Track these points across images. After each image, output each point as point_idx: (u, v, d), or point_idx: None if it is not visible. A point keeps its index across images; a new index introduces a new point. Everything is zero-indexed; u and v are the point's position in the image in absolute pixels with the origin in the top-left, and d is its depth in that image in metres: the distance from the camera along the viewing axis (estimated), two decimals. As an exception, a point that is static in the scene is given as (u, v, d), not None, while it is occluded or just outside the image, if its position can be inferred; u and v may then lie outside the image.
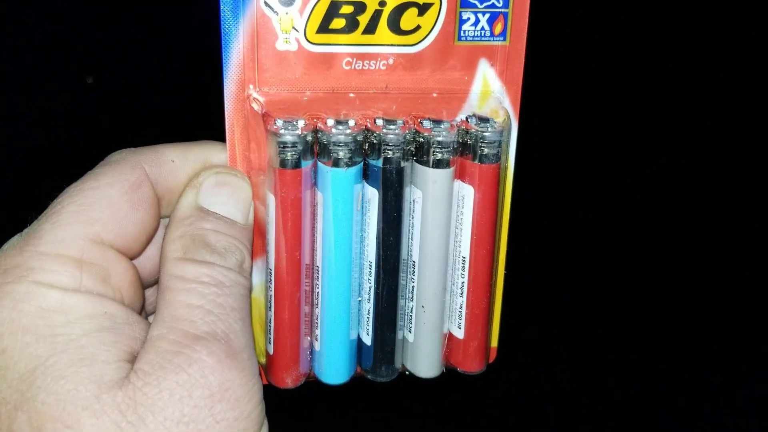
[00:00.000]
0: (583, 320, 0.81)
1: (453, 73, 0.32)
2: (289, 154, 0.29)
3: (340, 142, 0.29)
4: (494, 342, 0.37)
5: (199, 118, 0.34)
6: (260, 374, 0.28)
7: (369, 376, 0.34)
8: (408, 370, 0.34)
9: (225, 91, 0.30)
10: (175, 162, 0.30)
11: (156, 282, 0.32)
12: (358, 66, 0.31)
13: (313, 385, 0.34)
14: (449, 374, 0.36)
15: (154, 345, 0.26)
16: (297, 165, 0.29)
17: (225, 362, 0.26)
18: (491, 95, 0.32)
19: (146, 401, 0.24)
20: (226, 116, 0.30)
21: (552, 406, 0.81)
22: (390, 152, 0.30)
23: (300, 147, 0.29)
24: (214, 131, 0.32)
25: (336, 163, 0.30)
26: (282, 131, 0.29)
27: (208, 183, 0.30)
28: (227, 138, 0.31)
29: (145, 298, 0.31)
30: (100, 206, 0.27)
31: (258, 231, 0.31)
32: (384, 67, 0.31)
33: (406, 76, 0.32)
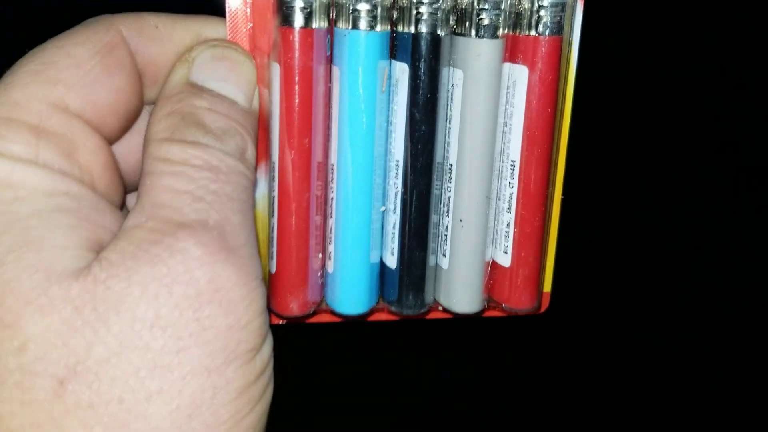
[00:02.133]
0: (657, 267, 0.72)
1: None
2: (298, 6, 0.23)
3: (361, -4, 0.23)
4: (547, 286, 0.30)
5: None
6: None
7: (393, 309, 0.27)
8: (441, 305, 0.28)
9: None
10: (161, 29, 0.25)
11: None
12: None
13: (324, 318, 0.28)
14: (490, 319, 0.30)
15: (127, 233, 0.20)
16: (307, 23, 0.23)
17: (217, 255, 0.20)
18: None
19: (110, 297, 0.19)
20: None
21: (608, 368, 0.72)
22: (424, 14, 0.24)
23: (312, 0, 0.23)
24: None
25: (355, 25, 0.24)
26: (289, -23, 0.23)
27: (203, 56, 0.24)
28: (227, 7, 0.25)
29: (125, 197, 0.26)
30: (64, 67, 0.22)
31: (263, 130, 0.26)
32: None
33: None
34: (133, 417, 0.19)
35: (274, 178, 0.25)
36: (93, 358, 0.18)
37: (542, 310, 0.31)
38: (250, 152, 0.23)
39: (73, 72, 0.22)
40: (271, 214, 0.26)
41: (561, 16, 0.25)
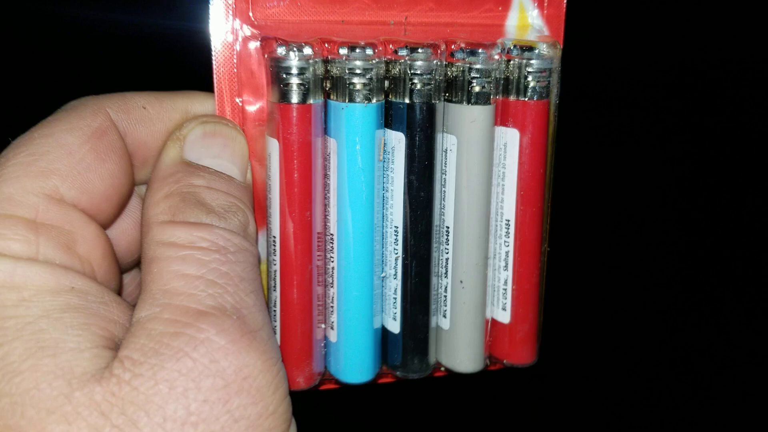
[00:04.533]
0: (647, 312, 0.73)
1: (484, 4, 0.27)
2: (295, 83, 0.23)
3: (356, 70, 0.24)
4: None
5: (181, 70, 0.28)
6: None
7: (398, 373, 0.27)
8: (443, 366, 0.28)
9: (211, 26, 0.24)
10: (148, 110, 0.24)
11: (133, 265, 0.26)
12: (373, -8, 0.26)
13: (327, 388, 0.28)
14: (489, 373, 0.30)
15: (144, 327, 0.19)
16: (305, 99, 0.23)
17: (240, 342, 0.19)
18: (530, 29, 0.27)
19: (137, 398, 0.18)
20: (213, 56, 0.25)
21: (602, 411, 0.72)
22: (418, 84, 0.24)
23: (308, 75, 0.23)
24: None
25: (352, 98, 0.24)
26: (285, 55, 0.23)
27: (195, 134, 0.24)
28: (215, 83, 0.25)
29: (122, 281, 0.25)
30: (56, 155, 0.21)
31: (256, 202, 0.25)
32: (403, -6, 0.26)
33: (430, 5, 0.26)
34: None
35: (275, 252, 0.25)
36: None
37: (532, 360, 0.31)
38: (252, 227, 0.23)
39: (66, 161, 0.21)
40: (272, 288, 0.25)
41: (548, 81, 0.26)
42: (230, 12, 0.24)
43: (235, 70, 0.25)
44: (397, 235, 0.26)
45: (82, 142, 0.22)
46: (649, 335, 0.74)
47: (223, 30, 0.24)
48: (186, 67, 0.28)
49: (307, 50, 0.23)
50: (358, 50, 0.24)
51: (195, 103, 0.25)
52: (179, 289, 0.20)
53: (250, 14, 0.24)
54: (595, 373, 0.72)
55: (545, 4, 0.27)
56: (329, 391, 0.28)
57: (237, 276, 0.21)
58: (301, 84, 0.23)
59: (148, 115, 0.24)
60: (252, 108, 0.25)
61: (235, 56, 0.25)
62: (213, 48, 0.25)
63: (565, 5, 0.27)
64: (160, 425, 0.18)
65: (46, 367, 0.18)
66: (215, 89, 0.25)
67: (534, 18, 0.27)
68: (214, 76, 0.25)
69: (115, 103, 0.24)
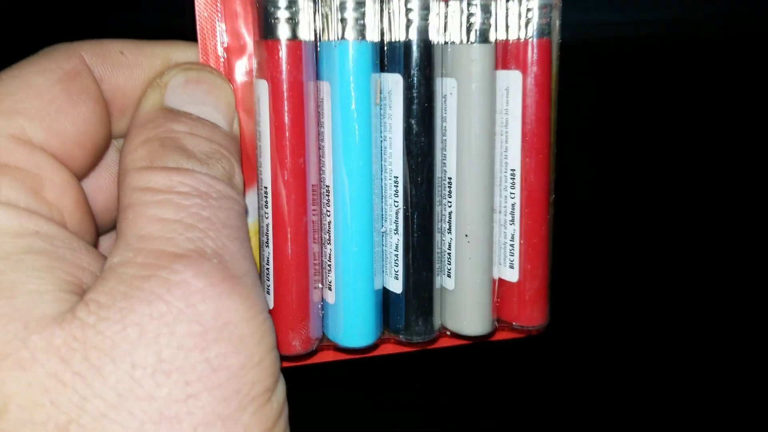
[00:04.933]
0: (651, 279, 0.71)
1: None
2: (283, 17, 0.22)
3: (348, 2, 0.22)
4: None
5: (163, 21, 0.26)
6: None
7: (401, 337, 0.25)
8: (449, 330, 0.26)
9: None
10: (126, 55, 0.23)
11: (111, 224, 0.24)
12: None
13: (325, 356, 0.26)
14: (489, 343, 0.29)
15: (114, 272, 0.18)
16: (294, 35, 0.22)
17: (220, 286, 0.18)
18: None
19: (102, 343, 0.16)
20: (196, 2, 0.23)
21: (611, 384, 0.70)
22: (415, 20, 0.23)
23: (297, 8, 0.22)
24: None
25: (344, 35, 0.22)
26: (273, -13, 0.22)
27: (177, 80, 0.22)
28: (198, 28, 0.24)
29: (98, 237, 0.23)
30: (24, 96, 0.20)
31: (245, 158, 0.24)
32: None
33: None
34: None
35: (267, 204, 0.23)
36: (89, 415, 0.16)
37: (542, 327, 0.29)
38: (238, 178, 0.22)
39: (34, 102, 0.20)
40: (265, 244, 0.24)
41: (549, 18, 0.24)
42: None
43: (219, 16, 0.23)
44: (397, 186, 0.24)
45: (52, 83, 0.20)
46: (656, 299, 0.72)
47: (206, -30, 0.23)
48: (169, 18, 0.26)
49: None
50: (349, -17, 0.22)
51: (177, 51, 0.24)
52: (155, 233, 0.18)
53: (234, -47, 0.23)
54: (603, 336, 0.70)
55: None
56: (329, 364, 0.26)
57: (219, 222, 0.19)
58: (289, 18, 0.22)
59: (126, 61, 0.23)
60: (238, 59, 0.24)
61: (219, 3, 0.23)
62: (195, -9, 0.23)
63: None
64: (128, 372, 0.16)
65: (0, 310, 0.16)
66: (198, 38, 0.24)
67: None
68: (197, 23, 0.23)
69: (90, 47, 0.22)
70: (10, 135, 0.19)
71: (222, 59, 0.24)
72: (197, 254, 0.18)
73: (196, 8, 0.23)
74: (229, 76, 0.24)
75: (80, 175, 0.22)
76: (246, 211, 0.22)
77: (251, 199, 0.24)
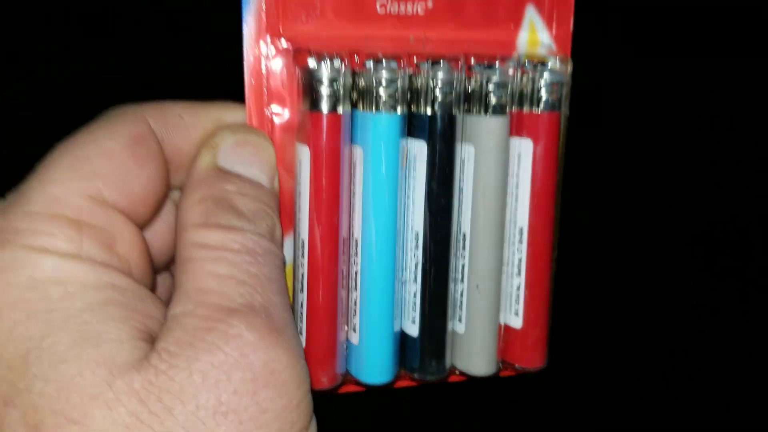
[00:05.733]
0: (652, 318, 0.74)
1: (497, 20, 0.29)
2: (325, 93, 0.24)
3: (382, 81, 0.25)
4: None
5: (216, 84, 0.29)
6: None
7: (416, 375, 0.28)
8: (458, 369, 0.29)
9: (244, 40, 0.26)
10: (184, 118, 0.25)
11: (165, 266, 0.27)
12: (394, 9, 0.27)
13: (346, 391, 0.28)
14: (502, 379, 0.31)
15: (179, 322, 0.20)
16: (335, 108, 0.25)
17: (268, 338, 0.20)
18: (540, 45, 0.29)
19: (173, 387, 0.19)
20: (245, 69, 0.26)
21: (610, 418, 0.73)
22: (439, 95, 0.26)
23: (338, 85, 0.24)
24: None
25: (378, 107, 0.25)
26: (317, 66, 0.24)
27: (227, 143, 0.25)
28: (246, 94, 0.26)
29: (156, 280, 0.26)
30: (99, 160, 0.22)
31: (282, 208, 0.26)
32: (422, 11, 0.28)
33: (447, 22, 0.28)
34: None
35: (303, 255, 0.26)
36: None
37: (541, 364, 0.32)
38: (278, 232, 0.24)
39: (108, 165, 0.22)
40: (300, 291, 0.26)
41: (559, 94, 0.27)
42: (262, 28, 0.26)
43: (265, 83, 0.26)
44: (417, 241, 0.27)
45: (122, 147, 0.23)
46: (654, 338, 0.75)
47: (255, 45, 0.26)
48: (220, 81, 0.29)
49: (337, 62, 0.25)
50: (383, 62, 0.25)
51: (227, 112, 0.26)
52: (212, 287, 0.21)
53: (281, 29, 0.26)
54: (603, 376, 0.73)
55: (554, 24, 0.29)
56: (350, 395, 0.29)
57: (265, 277, 0.22)
58: (331, 94, 0.24)
59: (183, 123, 0.25)
60: (279, 119, 0.26)
61: (264, 69, 0.26)
62: (245, 61, 0.26)
63: (572, 26, 0.29)
64: (194, 413, 0.19)
65: (89, 356, 0.19)
66: (246, 100, 0.26)
67: (543, 35, 0.29)
68: (246, 87, 0.26)
69: (153, 111, 0.25)
70: (89, 196, 0.22)
71: (266, 120, 0.26)
72: (248, 308, 0.21)
73: (246, 74, 0.26)
74: (271, 135, 0.26)
75: (143, 226, 0.24)
76: (284, 261, 0.24)
77: (288, 245, 0.27)
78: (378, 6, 0.27)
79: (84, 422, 0.18)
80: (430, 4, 0.28)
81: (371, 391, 0.28)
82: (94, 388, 0.18)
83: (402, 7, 0.27)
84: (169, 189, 0.25)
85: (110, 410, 0.18)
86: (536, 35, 0.29)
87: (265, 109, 0.26)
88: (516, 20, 0.29)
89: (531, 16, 0.29)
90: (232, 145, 0.25)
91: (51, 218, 0.21)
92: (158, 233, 0.26)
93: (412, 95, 0.26)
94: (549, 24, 0.29)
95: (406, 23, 0.27)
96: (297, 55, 0.25)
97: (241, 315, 0.21)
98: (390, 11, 0.27)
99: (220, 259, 0.22)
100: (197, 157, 0.25)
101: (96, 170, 0.22)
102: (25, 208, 0.21)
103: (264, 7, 0.25)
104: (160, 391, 0.19)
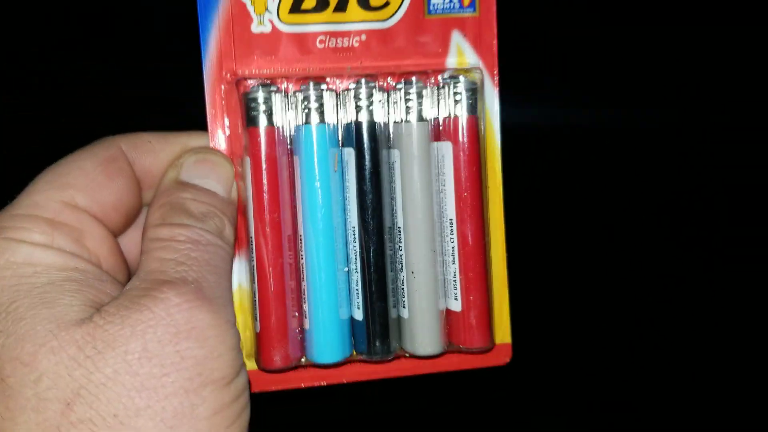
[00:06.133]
0: (606, 307, 0.74)
1: (427, 48, 0.33)
2: (260, 110, 0.29)
3: (309, 97, 0.30)
4: (507, 337, 0.34)
5: (183, 114, 0.35)
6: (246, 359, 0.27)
7: (364, 356, 0.31)
8: (407, 352, 0.32)
9: (204, 78, 0.31)
10: (153, 143, 0.31)
11: None
12: (332, 44, 0.32)
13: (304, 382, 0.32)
14: (458, 376, 0.34)
15: (124, 293, 0.25)
16: (269, 122, 0.30)
17: (193, 302, 0.25)
18: (467, 65, 0.33)
19: (106, 337, 0.24)
20: (207, 102, 0.31)
21: (574, 410, 0.72)
22: (361, 105, 0.30)
23: (271, 104, 0.29)
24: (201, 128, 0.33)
25: (308, 121, 0.30)
26: (253, 88, 0.30)
27: (189, 161, 0.30)
28: (208, 123, 0.32)
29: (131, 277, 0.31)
30: (74, 174, 0.28)
31: (243, 223, 0.31)
32: (357, 44, 0.32)
33: (380, 52, 0.32)
34: (125, 428, 0.23)
35: (252, 251, 0.30)
36: (93, 383, 0.23)
37: (506, 361, 0.35)
38: (228, 231, 0.29)
39: (81, 179, 0.28)
40: (252, 281, 0.31)
41: (473, 99, 0.31)
42: (220, 67, 0.31)
43: (224, 110, 0.31)
44: (355, 234, 0.31)
45: (95, 165, 0.29)
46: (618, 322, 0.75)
47: (215, 81, 0.31)
48: (185, 113, 0.34)
49: (270, 86, 0.30)
50: (311, 84, 0.30)
51: (192, 139, 0.32)
52: (156, 268, 0.26)
53: (235, 68, 0.31)
54: (569, 364, 0.72)
55: (481, 46, 0.33)
56: (319, 393, 0.32)
57: (203, 260, 0.27)
58: (265, 110, 0.29)
59: (153, 148, 0.31)
60: (239, 143, 0.31)
61: (223, 101, 0.31)
62: (206, 95, 0.31)
63: (496, 46, 0.33)
64: (122, 356, 0.23)
65: (42, 315, 0.24)
66: (209, 128, 0.32)
67: (471, 57, 0.33)
68: (208, 116, 0.31)
69: (126, 138, 0.30)
70: (62, 201, 0.27)
71: (225, 144, 0.31)
72: (181, 281, 0.25)
73: (207, 106, 0.31)
74: (232, 156, 0.31)
75: (117, 232, 0.30)
76: (231, 256, 0.29)
77: (246, 258, 0.31)
78: (317, 42, 0.32)
79: (32, 364, 0.23)
80: (363, 38, 0.32)
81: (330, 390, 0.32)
82: (43, 338, 0.23)
83: (339, 42, 0.32)
84: (140, 203, 0.31)
85: (54, 355, 0.23)
86: (464, 58, 0.33)
87: (225, 133, 0.31)
88: (444, 46, 0.33)
89: (457, 41, 0.33)
90: (193, 162, 0.30)
91: (29, 218, 0.26)
92: (135, 242, 0.31)
93: (340, 110, 0.31)
94: (476, 46, 0.33)
95: (343, 55, 0.32)
96: (239, 83, 0.30)
97: (172, 284, 0.25)
98: (328, 45, 0.32)
99: (167, 248, 0.27)
100: (164, 174, 0.30)
101: (71, 183, 0.28)
102: (11, 212, 0.27)
103: (220, 51, 0.31)
104: (95, 340, 0.23)
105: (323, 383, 0.33)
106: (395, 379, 0.34)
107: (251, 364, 0.31)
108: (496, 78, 0.33)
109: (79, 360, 0.23)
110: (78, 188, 0.28)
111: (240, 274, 0.31)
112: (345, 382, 0.33)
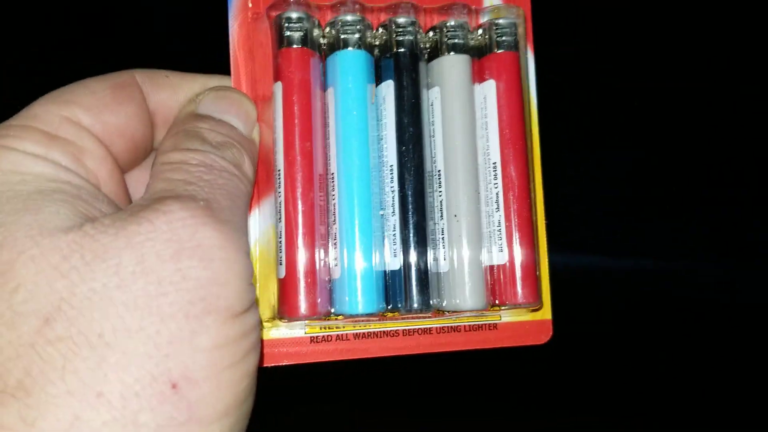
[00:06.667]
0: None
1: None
2: (294, 30, 0.27)
3: (347, 22, 0.28)
4: (547, 312, 0.31)
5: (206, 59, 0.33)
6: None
7: (401, 311, 0.28)
8: (447, 310, 0.29)
9: (229, 12, 0.29)
10: (171, 78, 0.28)
11: None
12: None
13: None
14: (489, 355, 0.31)
15: (124, 210, 0.22)
16: (303, 44, 0.27)
17: (200, 218, 0.21)
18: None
19: (97, 247, 0.20)
20: (230, 37, 0.29)
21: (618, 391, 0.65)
22: (402, 36, 0.28)
23: (305, 24, 0.27)
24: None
25: (345, 46, 0.28)
26: (285, 9, 0.28)
27: (208, 96, 0.28)
28: (231, 61, 0.29)
29: None
30: (80, 92, 0.25)
31: (265, 170, 0.28)
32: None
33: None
34: (111, 351, 0.19)
35: (279, 185, 0.27)
36: (77, 297, 0.19)
37: (545, 340, 0.31)
38: (247, 166, 0.26)
39: (88, 97, 0.25)
40: (278, 220, 0.27)
41: (515, 38, 0.29)
42: (248, 4, 0.29)
43: (249, 55, 0.29)
44: (392, 174, 0.28)
45: (104, 87, 0.26)
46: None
47: (239, 21, 0.29)
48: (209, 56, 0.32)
49: (303, 9, 0.28)
50: (348, 5, 0.28)
51: (214, 80, 0.29)
52: (163, 187, 0.23)
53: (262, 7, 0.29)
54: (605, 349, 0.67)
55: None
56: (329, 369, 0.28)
57: (217, 184, 0.23)
58: (298, 29, 0.27)
59: (170, 83, 0.28)
60: (264, 87, 0.29)
61: (247, 39, 0.29)
62: (230, 30, 0.29)
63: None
64: (113, 269, 0.20)
65: (24, 221, 0.20)
66: (231, 66, 0.29)
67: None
68: (231, 59, 0.29)
69: (143, 71, 0.28)
70: (63, 116, 0.24)
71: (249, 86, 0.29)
72: (189, 197, 0.22)
73: (231, 47, 0.29)
74: (255, 99, 0.29)
75: (121, 162, 0.26)
76: (249, 190, 0.25)
77: (270, 207, 0.28)
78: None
79: (10, 273, 0.20)
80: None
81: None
82: (22, 245, 0.20)
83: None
84: (152, 137, 0.28)
85: (34, 264, 0.20)
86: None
87: (249, 76, 0.29)
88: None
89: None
90: (212, 97, 0.28)
91: (25, 128, 0.23)
92: (142, 181, 0.28)
93: (380, 43, 0.29)
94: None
95: (376, -1, 0.31)
96: (270, 9, 0.29)
97: (178, 198, 0.22)
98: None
99: (178, 169, 0.24)
100: (180, 110, 0.28)
101: (75, 100, 0.25)
102: (8, 122, 0.24)
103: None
104: (83, 249, 0.20)
105: (343, 359, 0.29)
106: (419, 356, 0.30)
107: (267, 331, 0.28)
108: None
109: (63, 270, 0.20)
110: (82, 106, 0.25)
111: (263, 223, 0.28)
112: (369, 356, 0.30)
